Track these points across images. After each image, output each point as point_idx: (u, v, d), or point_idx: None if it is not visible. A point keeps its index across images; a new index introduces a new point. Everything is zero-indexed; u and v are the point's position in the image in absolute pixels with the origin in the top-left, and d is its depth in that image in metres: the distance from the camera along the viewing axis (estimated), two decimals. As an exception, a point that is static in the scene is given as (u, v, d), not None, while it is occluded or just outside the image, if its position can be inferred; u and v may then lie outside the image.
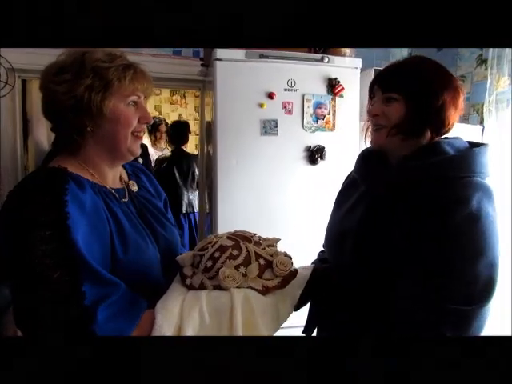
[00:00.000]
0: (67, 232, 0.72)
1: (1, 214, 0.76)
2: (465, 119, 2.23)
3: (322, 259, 1.10)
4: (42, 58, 2.16)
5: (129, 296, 0.78)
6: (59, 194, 0.74)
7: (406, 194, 0.85)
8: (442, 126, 0.88)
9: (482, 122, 2.09)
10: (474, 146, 0.89)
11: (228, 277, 0.80)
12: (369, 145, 0.96)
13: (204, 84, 2.42)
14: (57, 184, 0.76)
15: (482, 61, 2.11)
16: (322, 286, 0.96)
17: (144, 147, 3.10)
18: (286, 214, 1.85)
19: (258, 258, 0.84)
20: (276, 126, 1.80)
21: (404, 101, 0.87)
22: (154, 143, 3.80)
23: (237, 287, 0.81)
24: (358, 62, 1.90)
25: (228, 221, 1.78)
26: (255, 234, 0.93)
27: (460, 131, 2.06)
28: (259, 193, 1.82)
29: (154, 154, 3.65)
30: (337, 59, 1.86)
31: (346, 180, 1.12)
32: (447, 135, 0.92)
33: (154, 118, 4.05)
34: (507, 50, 1.90)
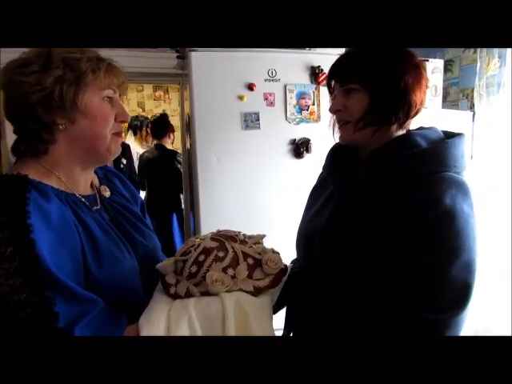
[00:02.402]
0: (31, 247, 0.64)
1: None
2: (454, 105, 2.17)
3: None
4: (11, 56, 2.06)
5: (107, 313, 0.72)
6: (19, 204, 0.67)
7: (376, 191, 0.79)
8: (409, 109, 0.82)
9: (472, 108, 2.03)
10: (449, 136, 0.84)
11: (216, 281, 0.74)
12: (338, 140, 0.90)
13: (183, 78, 2.33)
14: (16, 193, 0.68)
15: (471, 43, 2.05)
16: (293, 286, 0.91)
17: (126, 146, 3.00)
18: (272, 211, 1.80)
19: (246, 258, 0.79)
20: (258, 119, 1.73)
21: (364, 90, 0.81)
22: (140, 141, 3.70)
23: (227, 291, 0.75)
24: (342, 49, 1.81)
25: (211, 220, 1.72)
26: (239, 233, 0.88)
27: (449, 117, 2.01)
28: (243, 190, 1.76)
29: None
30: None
31: (318, 177, 1.07)
32: (423, 125, 0.88)
33: (137, 116, 3.96)
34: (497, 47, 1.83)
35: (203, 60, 1.65)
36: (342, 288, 0.81)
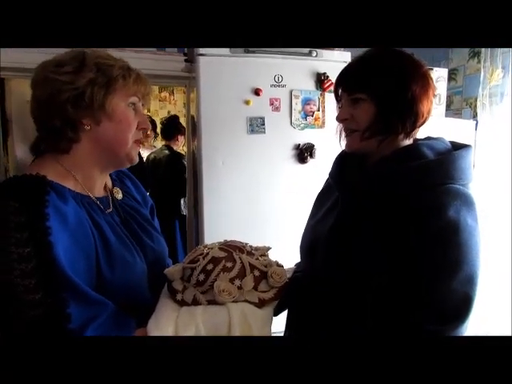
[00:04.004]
0: (49, 249, 0.65)
1: None
2: (457, 113, 2.18)
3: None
4: (21, 55, 2.08)
5: (117, 315, 0.73)
6: (39, 206, 0.68)
7: (381, 200, 0.79)
8: (416, 119, 0.82)
9: (475, 117, 2.04)
10: (456, 147, 0.84)
11: (224, 291, 0.76)
12: (344, 147, 0.91)
13: (189, 80, 2.35)
14: (36, 195, 0.69)
15: (475, 53, 2.06)
16: (295, 292, 0.91)
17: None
18: (276, 216, 1.80)
19: (252, 270, 0.81)
20: (263, 124, 1.74)
21: (371, 100, 0.81)
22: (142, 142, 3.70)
23: (233, 301, 0.76)
24: (347, 56, 1.83)
25: (215, 222, 1.72)
26: (247, 244, 0.89)
27: (452, 126, 2.02)
28: (247, 193, 1.76)
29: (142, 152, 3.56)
30: (325, 53, 1.79)
31: (324, 183, 1.07)
32: (430, 135, 0.88)
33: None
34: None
35: (211, 64, 1.66)
36: (345, 295, 0.81)
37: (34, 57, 1.99)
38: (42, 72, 0.78)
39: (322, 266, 0.87)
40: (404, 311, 0.72)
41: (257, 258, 0.84)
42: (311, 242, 0.94)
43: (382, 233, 0.77)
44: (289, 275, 0.89)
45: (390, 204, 0.78)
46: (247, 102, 1.71)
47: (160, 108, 4.85)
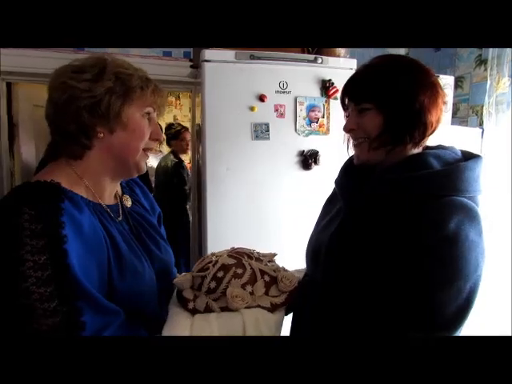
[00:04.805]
0: (64, 257, 0.66)
1: None
2: (463, 121, 2.17)
3: None
4: (28, 60, 2.09)
5: (128, 324, 0.74)
6: (55, 214, 0.68)
7: (383, 209, 0.78)
8: (425, 129, 0.80)
9: (481, 125, 2.03)
10: (467, 157, 0.81)
11: (237, 297, 0.77)
12: (353, 157, 0.90)
13: (195, 86, 2.36)
14: (51, 203, 0.69)
15: (481, 61, 2.05)
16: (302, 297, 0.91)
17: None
18: (280, 222, 1.79)
19: (263, 275, 0.82)
20: (268, 130, 1.74)
21: (378, 110, 0.79)
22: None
23: (246, 307, 0.77)
24: (353, 63, 1.83)
25: (219, 228, 1.72)
26: (254, 251, 0.90)
27: (458, 134, 2.01)
28: (251, 200, 1.76)
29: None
30: (331, 60, 1.80)
31: (331, 192, 1.06)
32: (441, 143, 0.86)
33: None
34: (507, 50, 1.84)
35: (216, 70, 1.66)
36: (345, 302, 0.81)
37: (41, 62, 2.03)
38: (61, 77, 0.78)
39: (324, 273, 0.86)
40: (395, 319, 0.72)
41: (265, 264, 0.85)
42: (315, 249, 0.93)
43: (382, 242, 0.76)
44: (301, 275, 0.90)
45: (393, 213, 0.77)
46: (252, 108, 1.71)
47: (166, 112, 4.84)
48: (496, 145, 1.92)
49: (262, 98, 1.71)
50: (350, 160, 0.94)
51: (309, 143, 1.80)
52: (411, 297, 0.71)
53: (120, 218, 0.86)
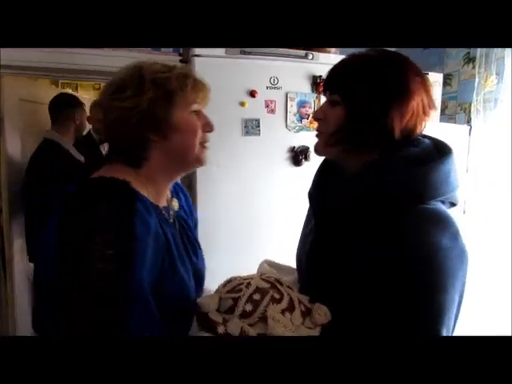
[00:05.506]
0: (131, 256, 0.66)
1: (65, 220, 0.68)
2: (452, 118, 2.20)
3: None
4: (14, 52, 2.04)
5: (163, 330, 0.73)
6: (129, 213, 0.69)
7: (346, 218, 0.75)
8: (386, 135, 0.72)
9: (469, 122, 2.05)
10: (440, 150, 0.75)
11: (279, 321, 0.70)
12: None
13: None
14: (127, 202, 0.71)
15: (470, 59, 2.08)
16: None
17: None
18: (270, 218, 1.79)
19: (299, 304, 0.76)
20: (258, 126, 1.73)
21: (344, 104, 0.75)
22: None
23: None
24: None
25: (210, 227, 1.70)
26: (281, 278, 0.83)
27: (446, 131, 2.03)
28: (241, 196, 1.75)
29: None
30: (322, 56, 1.79)
31: None
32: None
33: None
34: (495, 48, 1.85)
35: (206, 65, 1.64)
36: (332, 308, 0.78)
37: (27, 55, 1.98)
38: (106, 99, 0.79)
39: (304, 285, 0.85)
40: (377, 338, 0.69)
41: (298, 293, 0.79)
42: (298, 258, 0.92)
43: (353, 258, 0.73)
44: (288, 277, 0.86)
45: (351, 224, 0.74)
46: (242, 104, 1.70)
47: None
48: (483, 142, 1.95)
49: (252, 94, 1.70)
50: (325, 162, 0.91)
51: (299, 139, 1.80)
52: (392, 317, 0.68)
53: (171, 221, 0.87)
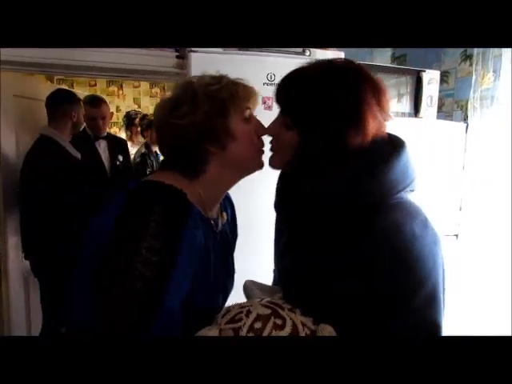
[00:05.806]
0: (171, 268, 0.68)
1: (120, 219, 0.70)
2: (448, 115, 2.20)
3: None
4: (7, 48, 2.01)
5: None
6: (180, 225, 0.71)
7: (316, 228, 0.76)
8: (346, 153, 0.72)
9: (465, 119, 2.06)
10: (395, 145, 0.75)
11: None
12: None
13: (181, 77, 2.32)
14: (180, 214, 0.72)
15: (467, 56, 2.07)
16: None
17: (123, 142, 2.96)
18: (266, 216, 1.77)
19: (303, 327, 0.73)
20: (255, 123, 1.71)
21: (297, 130, 0.73)
22: (131, 138, 3.63)
23: None
24: (341, 56, 1.82)
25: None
26: (284, 302, 0.80)
27: (443, 128, 2.03)
28: (237, 192, 1.73)
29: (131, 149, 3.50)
30: (319, 52, 1.78)
31: None
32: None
33: (129, 111, 3.92)
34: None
35: (203, 61, 1.64)
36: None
37: (22, 50, 1.95)
38: (163, 118, 0.80)
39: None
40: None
41: (300, 314, 0.77)
42: (279, 273, 0.91)
43: (327, 263, 0.74)
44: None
45: (330, 231, 0.75)
46: (239, 101, 1.68)
47: (151, 104, 4.80)
48: (480, 139, 1.95)
49: (249, 90, 1.69)
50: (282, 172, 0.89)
51: (296, 136, 1.79)
52: (384, 317, 0.69)
53: (217, 233, 0.87)
